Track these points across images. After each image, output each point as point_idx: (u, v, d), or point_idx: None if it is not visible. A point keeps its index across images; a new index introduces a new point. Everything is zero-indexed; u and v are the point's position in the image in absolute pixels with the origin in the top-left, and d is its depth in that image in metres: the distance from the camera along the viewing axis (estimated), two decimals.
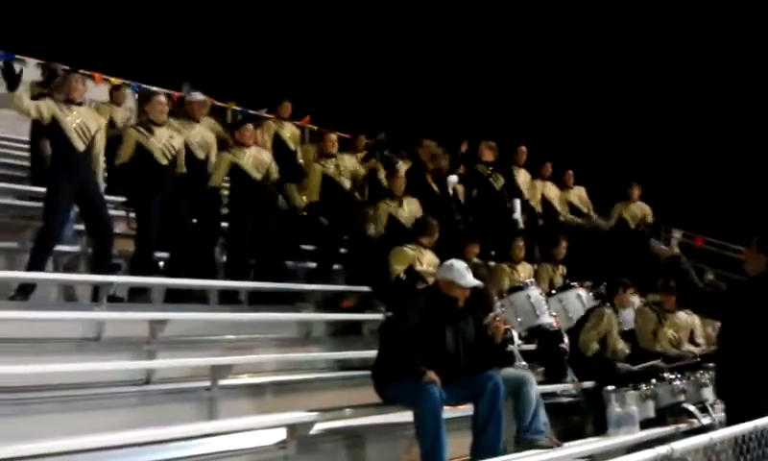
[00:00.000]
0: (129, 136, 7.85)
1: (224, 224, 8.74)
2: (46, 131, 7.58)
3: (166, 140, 7.80)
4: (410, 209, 9.03)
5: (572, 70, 19.90)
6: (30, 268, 7.02)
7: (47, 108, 7.15)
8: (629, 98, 19.43)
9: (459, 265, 5.76)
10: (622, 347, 7.84)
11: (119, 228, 8.21)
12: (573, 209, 12.02)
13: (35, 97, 9.98)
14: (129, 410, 5.75)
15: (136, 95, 14.60)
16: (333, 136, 9.79)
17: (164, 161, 7.74)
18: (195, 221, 8.31)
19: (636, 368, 7.56)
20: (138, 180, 7.70)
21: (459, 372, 5.51)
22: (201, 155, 8.57)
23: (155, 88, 14.38)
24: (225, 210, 8.85)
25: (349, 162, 9.71)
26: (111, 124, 10.17)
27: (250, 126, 8.89)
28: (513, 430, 5.79)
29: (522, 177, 11.61)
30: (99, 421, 5.39)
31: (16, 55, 13.81)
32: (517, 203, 10.78)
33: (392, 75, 20.30)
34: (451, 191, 10.17)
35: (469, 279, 5.72)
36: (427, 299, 5.74)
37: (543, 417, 5.90)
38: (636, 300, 8.74)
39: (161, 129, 7.84)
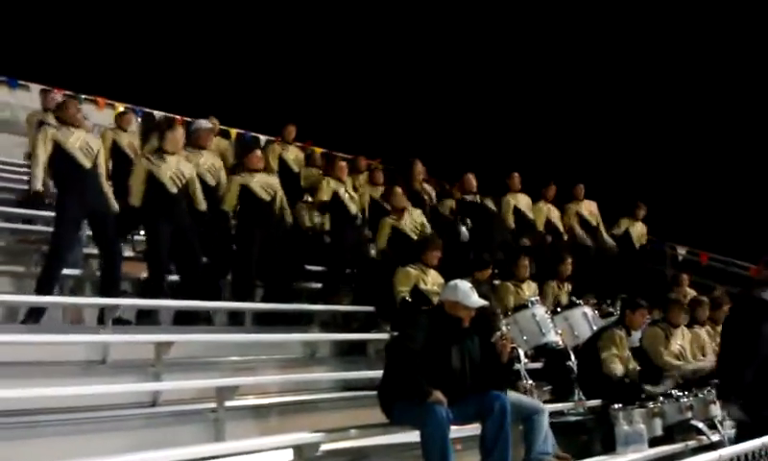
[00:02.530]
0: (139, 166, 7.87)
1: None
2: (50, 159, 7.35)
3: (176, 168, 7.83)
4: (412, 220, 9.09)
5: (574, 85, 19.92)
6: (38, 291, 7.02)
7: (46, 140, 7.15)
8: (632, 115, 19.45)
9: (464, 285, 5.76)
10: (633, 366, 7.80)
11: (124, 251, 8.22)
12: (583, 222, 11.96)
13: (37, 125, 10.13)
14: (135, 433, 5.72)
15: (139, 119, 14.69)
16: (343, 163, 9.90)
17: (174, 189, 7.76)
18: (206, 247, 8.34)
19: (660, 388, 7.57)
20: (148, 206, 7.72)
21: (466, 391, 5.49)
22: (211, 181, 8.67)
23: (157, 112, 14.56)
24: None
25: (350, 185, 9.76)
26: (117, 148, 10.33)
27: (258, 151, 9.00)
28: (521, 452, 5.78)
29: (522, 201, 11.64)
30: (105, 443, 5.38)
31: (20, 80, 13.94)
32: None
33: (393, 96, 20.38)
34: None
35: (475, 299, 5.72)
36: (432, 319, 5.73)
37: (551, 438, 5.90)
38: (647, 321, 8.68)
39: (172, 157, 7.87)
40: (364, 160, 12.03)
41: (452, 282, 5.86)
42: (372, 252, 9.33)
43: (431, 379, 5.31)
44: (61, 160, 7.21)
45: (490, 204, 11.11)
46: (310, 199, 10.24)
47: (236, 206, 8.60)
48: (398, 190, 9.33)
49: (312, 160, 11.88)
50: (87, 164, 7.24)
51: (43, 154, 7.14)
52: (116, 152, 10.13)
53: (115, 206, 7.57)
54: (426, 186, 10.97)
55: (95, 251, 7.91)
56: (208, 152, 9.08)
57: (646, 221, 12.31)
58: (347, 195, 9.44)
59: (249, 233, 8.38)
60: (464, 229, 9.85)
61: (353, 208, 9.45)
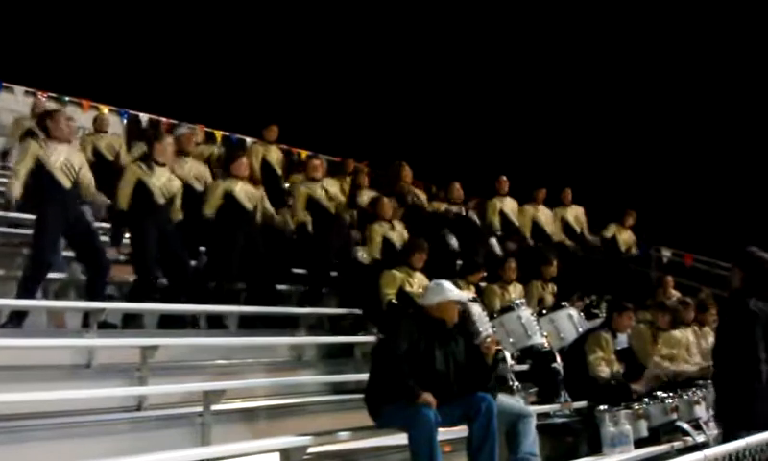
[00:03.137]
0: (130, 172, 7.85)
1: None
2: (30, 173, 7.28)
3: (166, 180, 7.85)
4: (400, 232, 9.12)
5: (562, 90, 20.01)
6: (20, 295, 6.95)
7: (27, 154, 7.11)
8: (619, 117, 19.54)
9: (446, 283, 5.81)
10: (618, 368, 7.84)
11: (108, 254, 8.16)
12: (567, 227, 12.01)
13: (23, 134, 10.11)
14: (120, 437, 5.69)
15: (125, 121, 14.65)
16: (317, 162, 9.85)
17: (162, 200, 7.78)
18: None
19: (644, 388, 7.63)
20: (134, 208, 7.70)
21: (451, 393, 5.50)
22: (198, 186, 8.68)
23: (143, 115, 14.52)
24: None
25: (334, 186, 9.71)
26: (97, 152, 10.35)
27: (244, 159, 8.94)
28: (506, 454, 5.79)
29: (508, 205, 11.68)
30: (91, 448, 5.34)
31: (4, 83, 13.85)
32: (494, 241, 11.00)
33: (382, 99, 20.39)
34: None
35: (458, 292, 5.83)
36: (417, 321, 5.73)
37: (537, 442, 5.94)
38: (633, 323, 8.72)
39: (162, 169, 7.87)
40: (352, 163, 12.03)
41: (433, 283, 5.91)
42: (361, 254, 9.29)
43: (416, 382, 5.30)
44: (42, 177, 7.15)
45: (474, 216, 11.17)
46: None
47: (218, 209, 8.50)
48: (386, 201, 9.29)
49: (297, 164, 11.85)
50: (67, 184, 7.19)
51: (23, 168, 7.10)
52: (96, 156, 10.21)
53: (93, 221, 7.57)
54: (415, 190, 10.96)
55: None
56: (193, 159, 9.10)
57: (633, 226, 12.34)
58: (323, 194, 9.34)
59: (230, 237, 8.32)
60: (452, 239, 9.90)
61: (333, 208, 9.37)
